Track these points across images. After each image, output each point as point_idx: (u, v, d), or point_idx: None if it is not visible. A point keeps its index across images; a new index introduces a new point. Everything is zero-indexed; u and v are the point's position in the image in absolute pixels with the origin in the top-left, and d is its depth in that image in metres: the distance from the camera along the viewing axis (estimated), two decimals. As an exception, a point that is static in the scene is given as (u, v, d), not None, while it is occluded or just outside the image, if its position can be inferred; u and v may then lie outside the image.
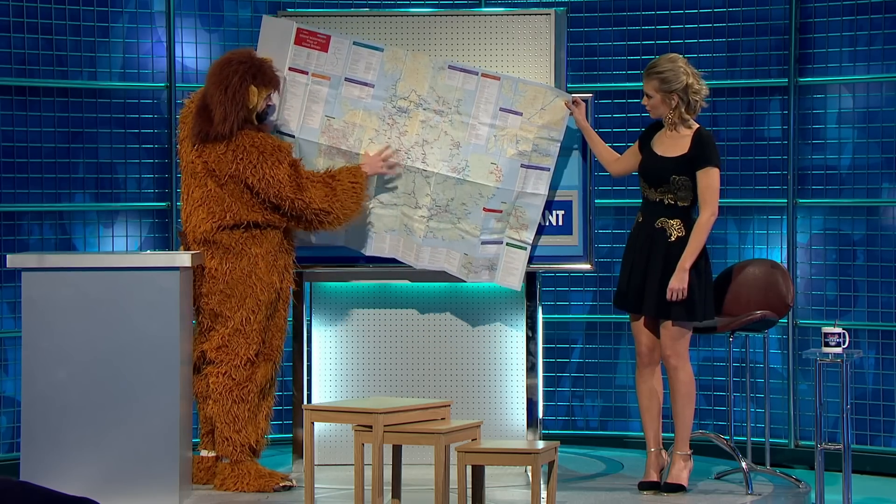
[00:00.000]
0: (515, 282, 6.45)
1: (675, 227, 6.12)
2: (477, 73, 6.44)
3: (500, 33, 6.73)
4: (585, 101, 6.48)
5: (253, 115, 6.18)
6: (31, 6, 7.41)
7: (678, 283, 6.03)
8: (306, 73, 6.41)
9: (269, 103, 6.29)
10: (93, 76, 7.60)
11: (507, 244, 6.43)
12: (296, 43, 6.43)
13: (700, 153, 6.08)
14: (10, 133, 7.41)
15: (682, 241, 6.09)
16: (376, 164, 6.33)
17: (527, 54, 6.72)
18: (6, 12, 7.36)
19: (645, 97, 6.17)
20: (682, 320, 6.07)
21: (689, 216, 6.14)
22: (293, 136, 6.38)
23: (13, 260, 5.98)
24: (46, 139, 7.49)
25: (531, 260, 6.53)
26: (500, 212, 6.38)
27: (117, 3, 7.62)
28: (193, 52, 7.72)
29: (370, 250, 6.46)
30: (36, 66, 7.44)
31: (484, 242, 6.40)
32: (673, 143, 6.15)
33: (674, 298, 6.03)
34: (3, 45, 7.36)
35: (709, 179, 6.07)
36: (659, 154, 6.16)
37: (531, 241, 6.43)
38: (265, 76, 6.17)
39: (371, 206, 6.40)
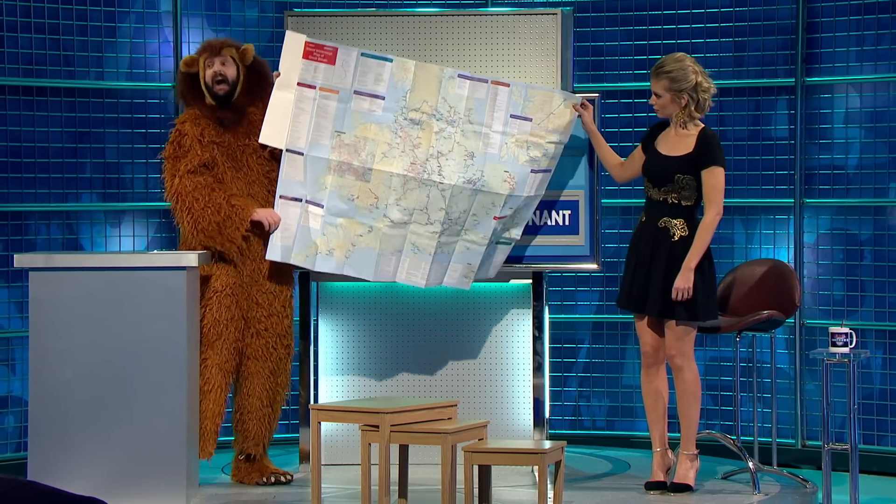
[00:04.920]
0: (492, 272, 6.44)
1: (678, 227, 6.12)
2: (487, 81, 6.39)
3: (506, 33, 6.73)
4: (592, 101, 6.47)
5: (203, 87, 6.26)
6: (38, 6, 7.42)
7: (683, 282, 6.03)
8: (314, 87, 6.34)
9: (216, 70, 6.25)
10: (100, 76, 7.60)
11: (497, 242, 6.40)
12: (303, 57, 6.33)
13: (705, 153, 6.08)
14: (17, 133, 7.42)
15: (685, 241, 6.09)
16: (269, 215, 6.25)
17: (533, 54, 6.72)
18: (13, 12, 7.37)
19: (653, 97, 6.16)
20: (684, 320, 6.07)
21: (692, 216, 6.14)
22: (302, 154, 6.30)
23: (20, 259, 5.98)
24: (53, 139, 7.50)
25: (535, 260, 6.53)
26: (506, 217, 6.35)
27: (124, 3, 7.63)
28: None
29: (375, 276, 6.31)
30: (43, 66, 7.45)
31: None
32: (678, 143, 6.15)
33: (678, 298, 6.03)
34: (11, 45, 7.37)
35: (713, 179, 6.07)
36: (663, 154, 6.16)
37: (518, 238, 6.40)
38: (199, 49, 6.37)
39: (378, 226, 6.32)
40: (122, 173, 7.65)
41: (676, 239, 6.11)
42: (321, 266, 6.31)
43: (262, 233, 6.26)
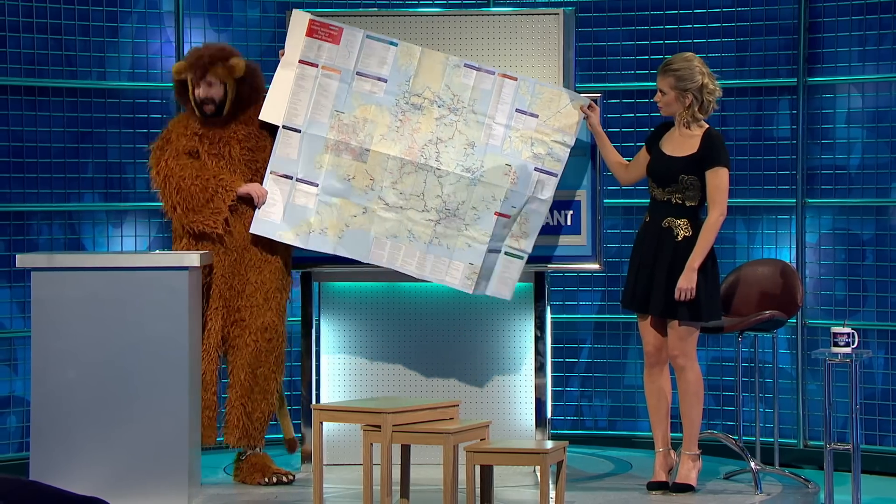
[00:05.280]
0: (507, 292, 6.33)
1: (682, 227, 6.11)
2: (494, 73, 6.37)
3: (508, 33, 6.73)
4: (595, 101, 6.46)
5: (191, 103, 6.30)
6: (40, 6, 7.42)
7: (686, 282, 6.03)
8: (316, 65, 6.33)
9: (202, 94, 6.27)
10: (102, 76, 7.61)
11: (505, 253, 6.34)
12: (307, 34, 6.31)
13: (709, 153, 6.08)
14: (19, 133, 7.42)
15: (689, 241, 6.09)
16: (256, 189, 6.24)
17: (535, 54, 6.72)
18: (15, 12, 7.37)
19: (658, 93, 6.15)
20: (687, 321, 6.07)
21: (696, 216, 6.14)
22: (299, 131, 6.30)
23: (23, 260, 5.98)
24: (55, 139, 7.51)
25: (537, 260, 6.51)
26: (509, 217, 6.32)
27: (126, 3, 7.63)
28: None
29: (367, 258, 6.28)
30: (45, 66, 7.46)
31: (489, 251, 6.31)
32: (682, 143, 6.15)
33: (682, 298, 6.02)
34: (13, 46, 7.37)
35: (718, 179, 6.07)
36: (668, 154, 6.16)
37: (529, 251, 6.34)
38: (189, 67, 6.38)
39: (373, 208, 6.32)
40: (123, 173, 7.65)
41: (680, 239, 6.11)
42: (314, 245, 6.27)
43: (248, 210, 6.26)
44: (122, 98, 7.64)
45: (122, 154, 7.64)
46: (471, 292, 6.32)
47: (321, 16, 6.59)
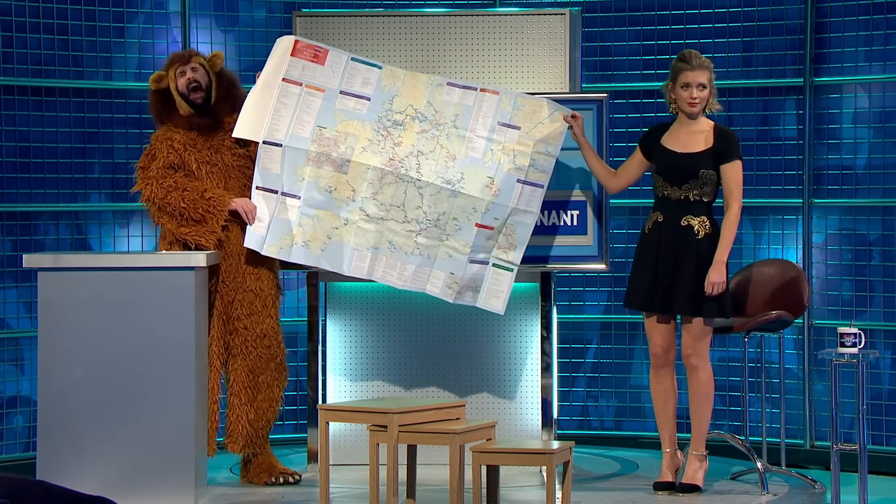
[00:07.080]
0: (500, 305, 6.31)
1: (701, 225, 6.11)
2: (476, 89, 6.36)
3: (514, 33, 6.73)
4: (600, 101, 6.46)
5: (177, 96, 6.29)
6: (46, 7, 7.43)
7: (718, 276, 6.02)
8: (300, 84, 6.31)
9: (189, 77, 6.28)
10: (108, 76, 7.61)
11: (494, 265, 6.30)
12: (292, 54, 6.32)
13: (726, 146, 6.10)
14: (25, 133, 7.43)
15: (711, 238, 6.09)
16: (245, 204, 6.22)
17: (541, 54, 6.72)
18: (22, 13, 7.38)
19: (697, 88, 6.09)
20: (713, 317, 6.07)
21: (711, 212, 6.15)
22: (280, 146, 6.26)
23: (29, 260, 5.99)
24: (62, 139, 7.51)
25: (543, 261, 6.51)
26: (492, 228, 6.28)
27: (133, 4, 7.64)
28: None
29: (348, 270, 6.26)
30: (52, 66, 7.46)
31: (472, 262, 6.29)
32: (692, 139, 6.14)
33: (714, 292, 6.01)
34: (20, 46, 7.38)
35: (735, 172, 6.09)
36: (680, 151, 6.14)
37: (518, 263, 6.31)
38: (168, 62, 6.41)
39: (354, 219, 6.30)
40: (130, 173, 7.61)
41: (701, 236, 6.10)
42: (296, 257, 6.26)
43: (240, 224, 6.26)
44: (128, 98, 7.65)
45: (129, 154, 7.64)
46: (451, 301, 6.30)
47: (325, 17, 6.61)
